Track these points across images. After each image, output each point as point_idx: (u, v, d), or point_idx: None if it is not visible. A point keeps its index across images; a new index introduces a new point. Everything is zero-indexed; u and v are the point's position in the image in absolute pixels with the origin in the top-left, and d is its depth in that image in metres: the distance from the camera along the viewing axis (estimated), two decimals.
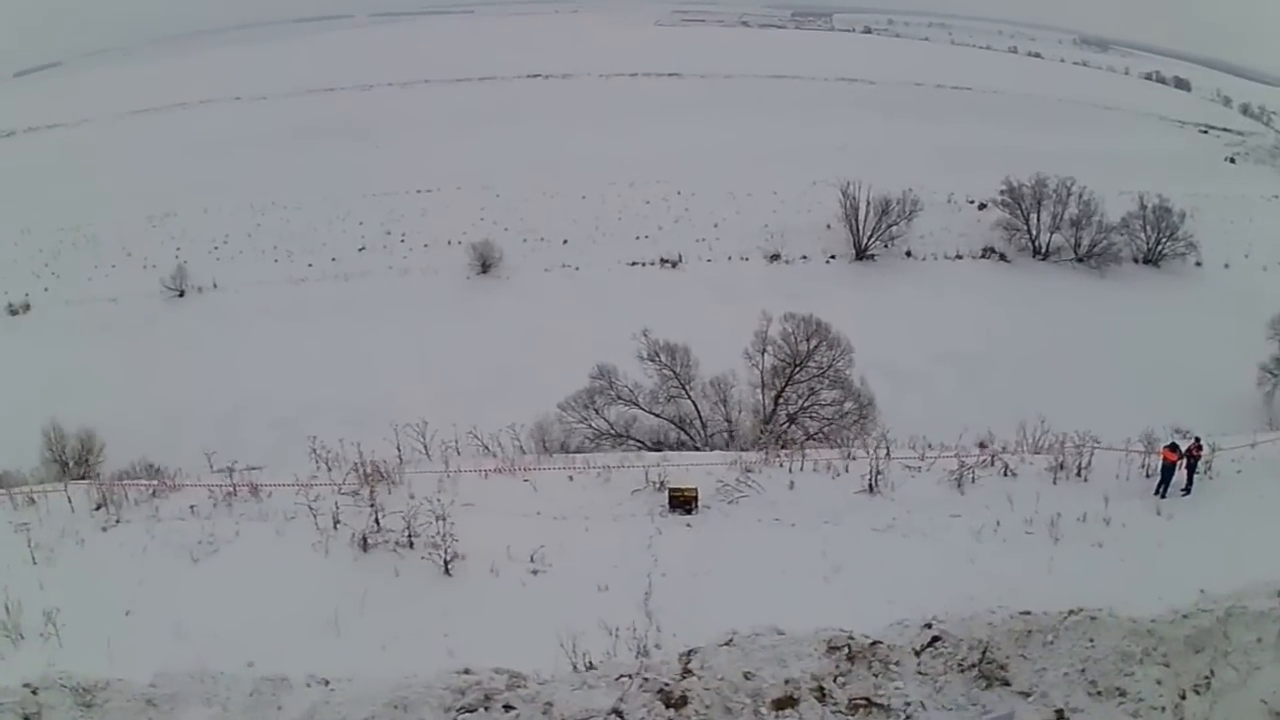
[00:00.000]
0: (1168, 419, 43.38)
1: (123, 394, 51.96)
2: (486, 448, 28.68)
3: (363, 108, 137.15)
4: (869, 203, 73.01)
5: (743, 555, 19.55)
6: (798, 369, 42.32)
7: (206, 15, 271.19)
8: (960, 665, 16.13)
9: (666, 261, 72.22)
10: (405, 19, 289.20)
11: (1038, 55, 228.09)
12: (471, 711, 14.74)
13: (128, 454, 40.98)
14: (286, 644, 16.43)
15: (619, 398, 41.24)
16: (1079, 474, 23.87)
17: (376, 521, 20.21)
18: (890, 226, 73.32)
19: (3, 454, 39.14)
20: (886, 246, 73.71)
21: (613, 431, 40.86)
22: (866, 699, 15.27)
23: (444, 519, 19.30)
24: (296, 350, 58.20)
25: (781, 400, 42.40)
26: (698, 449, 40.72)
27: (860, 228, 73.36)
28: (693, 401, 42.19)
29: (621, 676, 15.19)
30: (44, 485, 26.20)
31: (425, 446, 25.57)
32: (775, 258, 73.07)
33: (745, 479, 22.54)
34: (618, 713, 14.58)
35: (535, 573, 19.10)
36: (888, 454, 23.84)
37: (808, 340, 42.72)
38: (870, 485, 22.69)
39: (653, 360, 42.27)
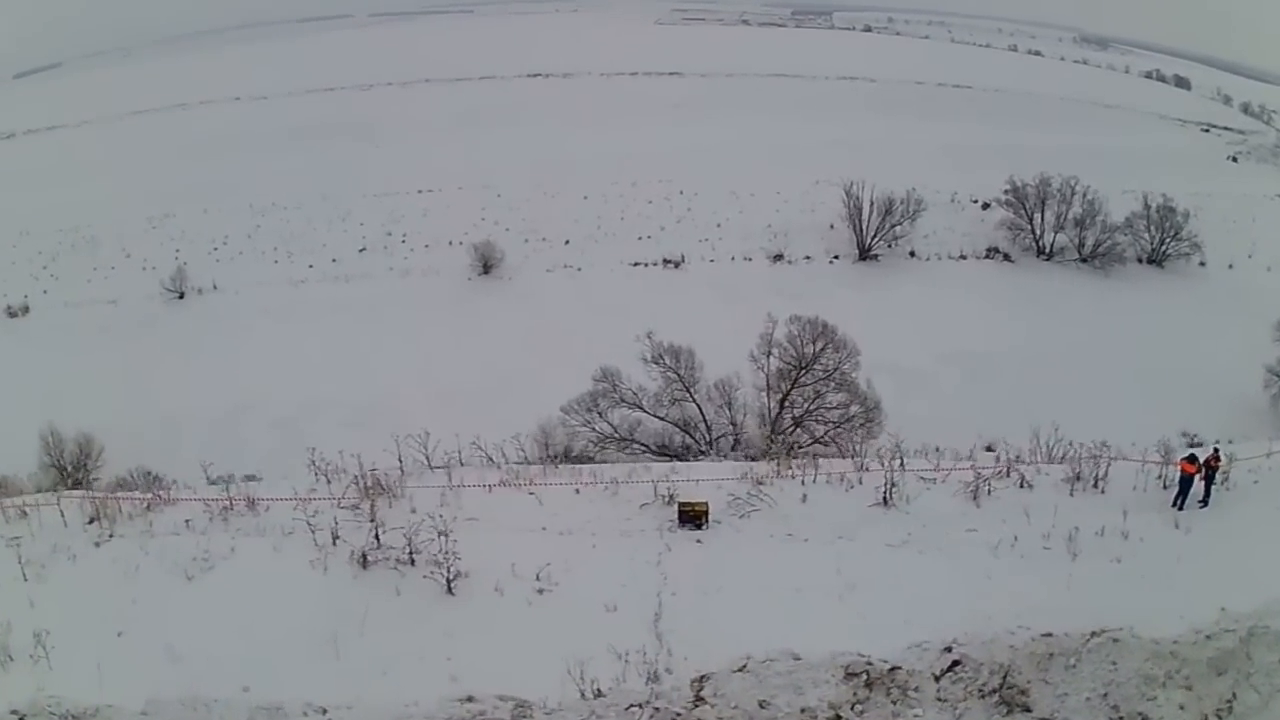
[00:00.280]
0: (1173, 420, 43.13)
1: (122, 396, 51.45)
2: (491, 459, 28.05)
3: (363, 108, 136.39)
4: (872, 202, 72.42)
5: (755, 573, 18.98)
6: (803, 372, 41.84)
7: (206, 16, 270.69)
8: (981, 691, 15.68)
9: (669, 262, 71.61)
10: (405, 19, 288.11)
11: (1038, 53, 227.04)
12: None
13: (127, 457, 40.65)
14: (283, 667, 15.91)
15: (622, 401, 40.82)
16: (1096, 485, 23.46)
17: (377, 537, 19.66)
18: (894, 226, 72.69)
19: (1, 458, 38.64)
20: (890, 246, 73.09)
21: (616, 435, 40.44)
22: None
23: (446, 535, 18.78)
24: (297, 352, 57.66)
25: (787, 404, 41.93)
26: (703, 453, 40.34)
27: (864, 228, 72.76)
28: (697, 405, 41.77)
29: (632, 706, 14.67)
30: (38, 496, 25.69)
31: (428, 458, 24.97)
32: (778, 258, 72.46)
33: (756, 492, 21.99)
34: None
35: (541, 592, 18.54)
36: (902, 465, 23.31)
37: (814, 343, 42.23)
38: (885, 498, 22.18)
39: (657, 363, 41.81)
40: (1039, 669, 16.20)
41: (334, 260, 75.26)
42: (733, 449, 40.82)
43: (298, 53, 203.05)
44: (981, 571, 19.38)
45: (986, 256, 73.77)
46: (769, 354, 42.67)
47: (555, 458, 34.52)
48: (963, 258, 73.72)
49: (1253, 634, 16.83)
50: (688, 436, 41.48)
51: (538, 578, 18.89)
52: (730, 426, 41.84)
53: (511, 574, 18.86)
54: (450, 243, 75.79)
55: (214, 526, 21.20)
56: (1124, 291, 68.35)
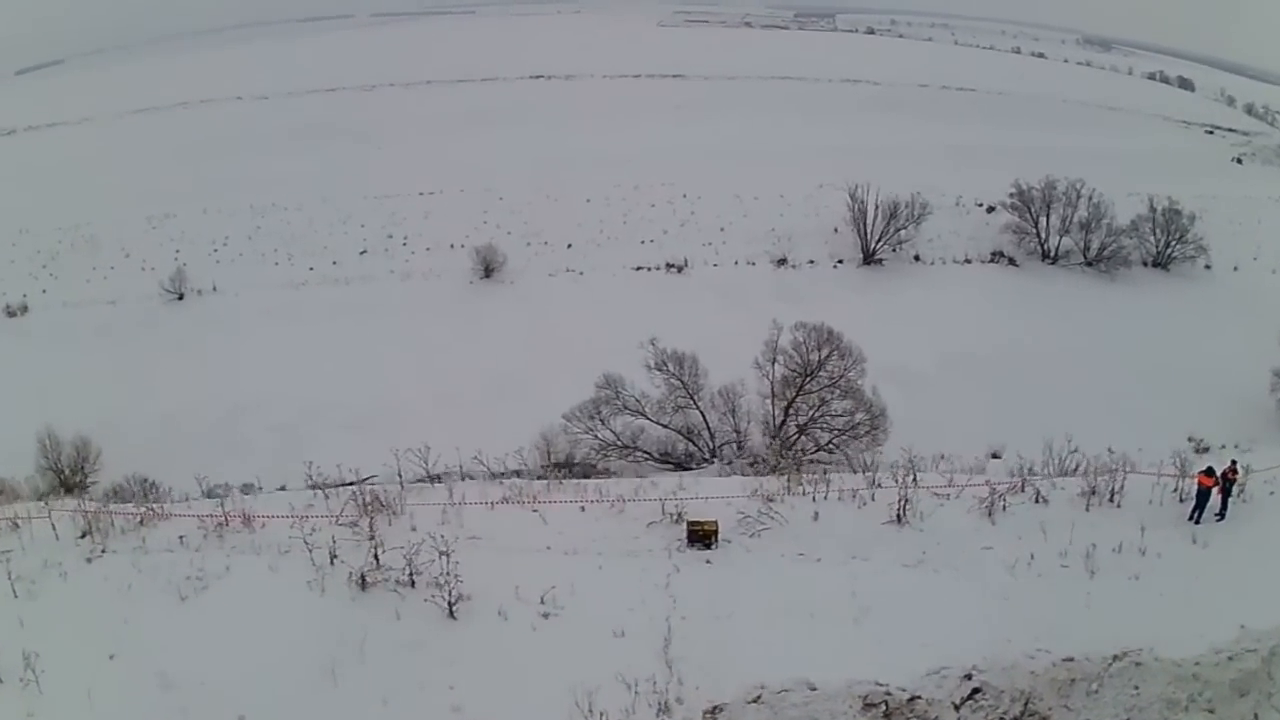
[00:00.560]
0: (1180, 424, 42.74)
1: (121, 397, 50.95)
2: (494, 474, 27.44)
3: (364, 108, 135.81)
4: (877, 206, 71.81)
5: (766, 595, 18.40)
6: (809, 379, 41.27)
7: (208, 14, 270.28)
8: (1002, 719, 15.13)
9: (672, 266, 71.00)
10: (406, 19, 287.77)
11: (1041, 55, 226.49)
12: None
13: (125, 460, 40.09)
14: (280, 696, 15.39)
15: (625, 408, 40.26)
16: (1111, 499, 22.94)
17: (376, 558, 19.06)
18: (899, 230, 72.07)
19: None
20: (894, 250, 72.45)
21: (619, 442, 39.92)
22: None
23: (448, 555, 18.20)
24: (297, 354, 57.09)
25: (792, 411, 41.39)
26: (706, 460, 39.82)
27: (868, 232, 72.15)
28: (701, 412, 41.23)
29: None
30: (29, 507, 25.13)
31: (429, 473, 24.39)
32: (782, 262, 71.84)
33: (767, 510, 21.39)
34: None
35: (546, 616, 17.95)
36: (915, 480, 22.74)
37: (819, 350, 41.65)
38: (898, 515, 21.61)
39: (660, 370, 41.27)
40: (1060, 695, 15.78)
41: (334, 262, 74.67)
42: (737, 455, 40.31)
43: (299, 53, 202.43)
44: (998, 592, 18.87)
45: (991, 260, 73.14)
46: (774, 360, 42.14)
47: (558, 466, 33.96)
48: (967, 262, 73.09)
49: (1274, 654, 16.72)
50: (691, 444, 40.95)
51: (542, 601, 18.33)
52: (734, 434, 41.31)
53: (515, 597, 18.28)
54: (452, 245, 75.18)
55: (208, 543, 20.63)
56: (1129, 295, 67.82)
